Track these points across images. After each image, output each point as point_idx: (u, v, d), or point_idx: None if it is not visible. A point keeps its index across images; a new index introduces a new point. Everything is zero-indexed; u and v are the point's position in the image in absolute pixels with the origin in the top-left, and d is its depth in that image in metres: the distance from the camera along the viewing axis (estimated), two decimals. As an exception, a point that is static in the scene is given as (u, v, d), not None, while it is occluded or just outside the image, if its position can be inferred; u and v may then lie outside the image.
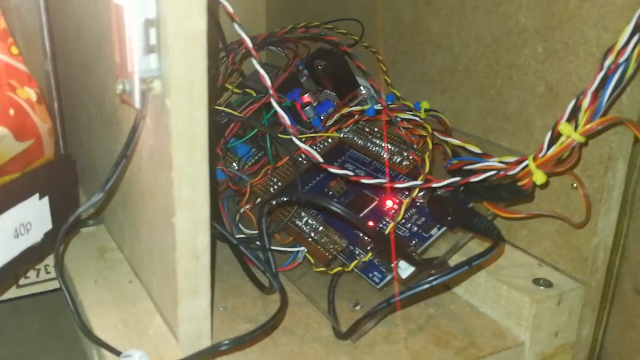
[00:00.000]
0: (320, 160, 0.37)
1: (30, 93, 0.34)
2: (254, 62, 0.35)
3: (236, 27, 0.35)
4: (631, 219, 0.40)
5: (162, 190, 0.33)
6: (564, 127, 0.34)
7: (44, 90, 0.37)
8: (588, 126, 0.33)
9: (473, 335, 0.39)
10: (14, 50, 0.34)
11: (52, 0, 0.42)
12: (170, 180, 0.32)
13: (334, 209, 0.34)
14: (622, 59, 0.32)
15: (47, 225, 0.37)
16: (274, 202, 0.39)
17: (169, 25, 0.29)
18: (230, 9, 0.34)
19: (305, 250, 0.43)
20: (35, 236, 0.36)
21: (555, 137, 0.34)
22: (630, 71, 0.32)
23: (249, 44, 0.34)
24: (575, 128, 0.33)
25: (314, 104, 0.54)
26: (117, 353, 0.33)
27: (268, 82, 0.36)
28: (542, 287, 0.40)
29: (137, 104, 0.31)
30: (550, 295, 0.39)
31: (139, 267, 0.41)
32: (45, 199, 0.37)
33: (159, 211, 0.34)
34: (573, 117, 0.34)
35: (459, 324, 0.40)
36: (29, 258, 0.36)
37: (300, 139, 0.37)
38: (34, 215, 0.36)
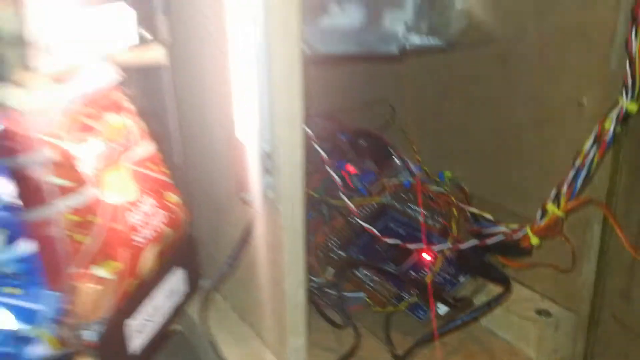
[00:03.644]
0: (378, 234, 0.52)
1: (175, 198, 0.49)
2: (329, 169, 0.50)
3: (317, 147, 0.49)
4: (606, 265, 0.54)
5: (273, 264, 0.48)
6: (550, 207, 0.48)
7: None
8: (567, 205, 0.47)
9: (494, 354, 0.54)
10: (166, 171, 0.49)
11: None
12: (281, 258, 0.46)
13: (391, 270, 0.49)
14: (587, 160, 0.46)
15: (186, 288, 0.52)
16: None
17: (281, 156, 0.44)
18: (317, 145, 0.49)
19: (366, 295, 0.57)
20: (179, 296, 0.51)
21: (544, 213, 0.49)
22: (594, 167, 0.46)
23: (325, 156, 0.49)
24: (558, 207, 0.48)
25: (358, 174, 0.69)
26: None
27: (348, 202, 0.50)
28: (543, 317, 0.54)
29: (258, 209, 0.46)
30: (550, 323, 0.53)
31: (247, 315, 0.55)
32: (182, 269, 0.52)
33: (270, 278, 0.49)
34: (556, 198, 0.48)
35: (483, 346, 0.55)
36: (175, 314, 0.51)
37: (363, 220, 0.52)
38: (177, 281, 0.51)
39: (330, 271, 0.61)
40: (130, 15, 0.43)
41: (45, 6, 0.33)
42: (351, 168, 0.69)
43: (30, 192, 0.37)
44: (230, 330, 0.55)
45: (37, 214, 0.38)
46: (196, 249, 0.54)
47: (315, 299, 0.58)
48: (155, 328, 0.48)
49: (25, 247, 0.37)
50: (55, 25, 0.34)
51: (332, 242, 0.64)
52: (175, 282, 0.51)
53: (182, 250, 0.52)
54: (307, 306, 0.48)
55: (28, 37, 0.32)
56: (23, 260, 0.37)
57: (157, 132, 0.51)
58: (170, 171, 0.52)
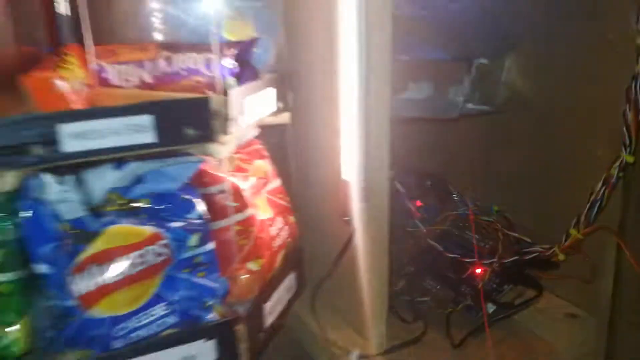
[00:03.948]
0: (442, 249, 0.69)
1: (293, 218, 0.69)
2: (407, 202, 0.68)
3: (398, 185, 0.68)
4: (620, 279, 0.69)
5: (365, 267, 0.66)
6: (572, 231, 0.65)
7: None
8: (585, 230, 0.64)
9: (532, 346, 0.70)
10: (287, 199, 0.68)
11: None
12: (371, 263, 0.64)
13: (452, 277, 0.66)
14: (599, 196, 0.63)
15: (295, 287, 0.71)
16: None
17: (374, 190, 0.63)
18: (398, 184, 0.68)
19: (430, 299, 0.75)
20: (292, 293, 0.70)
21: (568, 236, 0.65)
22: (604, 202, 0.63)
23: (403, 191, 0.68)
24: (578, 231, 0.64)
25: (423, 206, 0.87)
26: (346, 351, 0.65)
27: (422, 227, 0.68)
28: (571, 318, 0.70)
29: (355, 228, 0.64)
30: (576, 324, 0.69)
31: (341, 308, 0.73)
32: (294, 272, 0.71)
33: (361, 278, 0.67)
34: (577, 225, 0.65)
35: (522, 340, 0.71)
36: (288, 306, 0.70)
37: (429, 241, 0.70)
38: (291, 280, 0.70)
39: (401, 282, 0.78)
40: (274, 93, 0.63)
41: (238, 96, 0.54)
42: (418, 202, 0.88)
43: (215, 210, 0.57)
44: (328, 321, 0.73)
45: (218, 225, 0.58)
46: (303, 258, 0.73)
47: (391, 302, 0.75)
48: (278, 313, 0.67)
49: (210, 245, 0.57)
50: (241, 106, 0.54)
51: (404, 258, 0.82)
52: (290, 281, 0.70)
53: (295, 257, 0.71)
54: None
55: (228, 113, 0.52)
56: (208, 254, 0.57)
57: (282, 171, 0.71)
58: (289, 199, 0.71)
